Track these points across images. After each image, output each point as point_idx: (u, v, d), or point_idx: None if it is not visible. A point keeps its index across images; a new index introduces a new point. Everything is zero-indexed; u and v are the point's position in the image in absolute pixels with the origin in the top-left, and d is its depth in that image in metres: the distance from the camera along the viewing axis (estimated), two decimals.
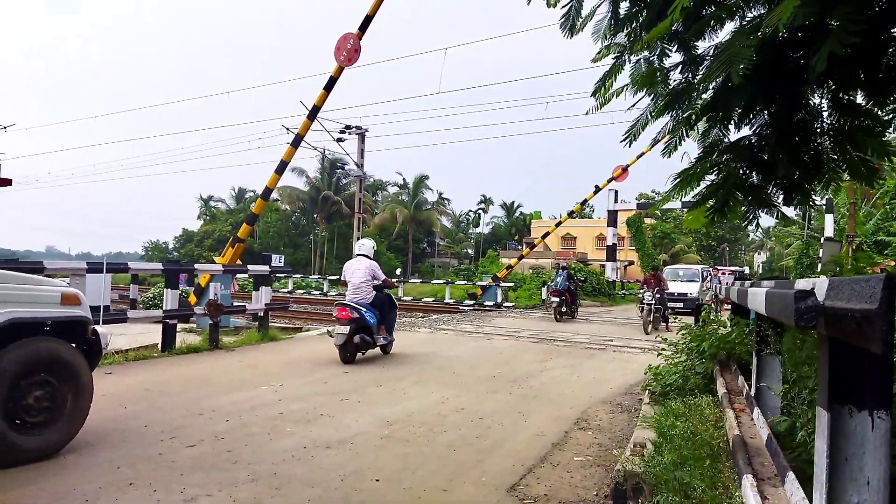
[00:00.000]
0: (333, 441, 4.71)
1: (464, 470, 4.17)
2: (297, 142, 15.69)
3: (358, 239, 32.08)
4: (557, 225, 30.82)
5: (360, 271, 8.92)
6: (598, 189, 26.56)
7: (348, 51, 14.40)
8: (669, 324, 15.07)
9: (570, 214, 29.36)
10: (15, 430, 3.89)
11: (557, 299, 17.31)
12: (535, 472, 4.18)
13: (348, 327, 8.37)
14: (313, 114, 15.39)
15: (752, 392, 3.64)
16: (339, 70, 14.79)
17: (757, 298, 2.77)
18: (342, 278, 9.31)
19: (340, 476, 3.95)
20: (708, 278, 21.72)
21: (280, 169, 15.60)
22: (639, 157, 23.78)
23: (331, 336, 8.69)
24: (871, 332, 1.33)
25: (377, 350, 9.13)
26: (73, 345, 4.42)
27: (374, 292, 8.95)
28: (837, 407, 1.70)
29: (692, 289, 21.86)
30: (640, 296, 15.24)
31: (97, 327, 4.65)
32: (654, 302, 14.39)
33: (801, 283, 1.95)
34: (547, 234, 31.34)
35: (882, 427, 1.64)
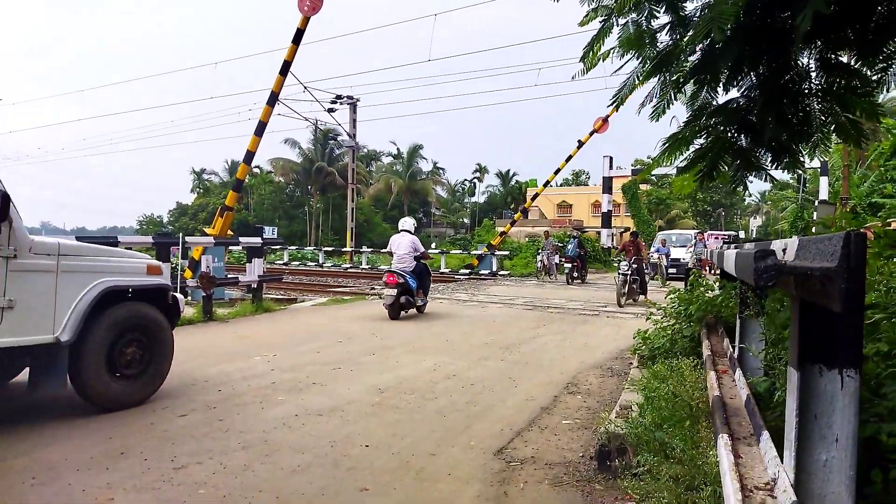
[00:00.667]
0: (325, 409, 4.76)
1: (452, 435, 4.23)
2: (272, 100, 15.50)
3: (352, 210, 32.05)
4: (546, 185, 30.59)
5: (404, 244, 10.50)
6: (581, 144, 25.98)
7: (311, 0, 14.27)
8: (648, 295, 13.86)
9: (556, 172, 29.11)
10: (115, 380, 4.60)
11: (570, 265, 19.55)
12: (522, 436, 4.24)
13: (396, 290, 9.99)
14: (285, 69, 15.19)
15: (735, 354, 3.68)
16: (305, 21, 14.63)
17: (729, 261, 2.78)
18: (388, 249, 11.05)
19: (331, 442, 4.00)
20: (693, 242, 21.74)
21: (259, 130, 15.42)
22: (617, 109, 23.38)
23: (381, 298, 10.71)
24: (832, 290, 1.33)
25: (379, 320, 9.24)
26: (157, 308, 5.05)
27: (415, 262, 10.43)
28: (808, 366, 1.71)
29: (685, 254, 21.97)
30: (617, 264, 14.25)
31: (175, 293, 5.29)
32: (630, 272, 13.23)
33: (776, 244, 1.95)
34: (536, 196, 31.23)
35: (851, 385, 1.65)
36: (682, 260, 21.33)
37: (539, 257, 22.39)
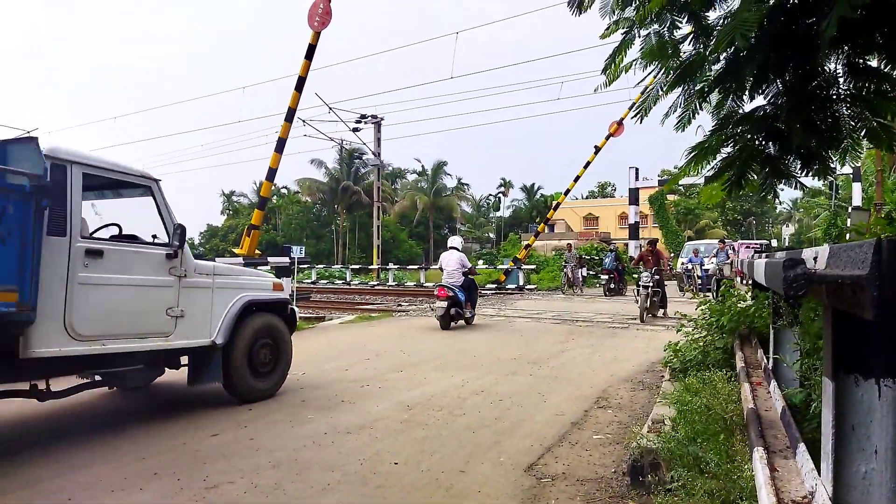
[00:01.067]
0: (353, 426, 4.77)
1: (482, 451, 4.20)
2: (289, 116, 15.64)
3: (378, 228, 32.29)
4: (566, 193, 30.38)
5: (453, 261, 11.31)
6: (597, 149, 25.75)
7: (320, 15, 14.49)
8: (668, 310, 12.90)
9: (576, 180, 28.88)
10: (254, 377, 5.51)
11: (606, 277, 20.53)
12: (553, 452, 4.19)
13: (446, 303, 10.76)
14: (300, 85, 15.35)
15: (770, 365, 3.60)
16: (316, 36, 14.85)
17: (759, 270, 2.73)
18: (438, 265, 11.83)
19: (360, 460, 4.00)
20: (714, 252, 21.30)
21: (279, 147, 15.57)
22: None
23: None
24: (864, 298, 1.29)
25: (406, 334, 9.24)
26: (280, 318, 5.93)
27: (463, 277, 11.16)
28: (843, 376, 1.67)
29: (708, 264, 21.60)
30: (637, 276, 13.21)
31: (293, 306, 6.22)
32: (652, 284, 12.18)
33: (806, 253, 1.91)
34: (557, 206, 31.09)
35: (889, 395, 1.60)
36: (710, 271, 21.00)
37: (563, 270, 22.31)
